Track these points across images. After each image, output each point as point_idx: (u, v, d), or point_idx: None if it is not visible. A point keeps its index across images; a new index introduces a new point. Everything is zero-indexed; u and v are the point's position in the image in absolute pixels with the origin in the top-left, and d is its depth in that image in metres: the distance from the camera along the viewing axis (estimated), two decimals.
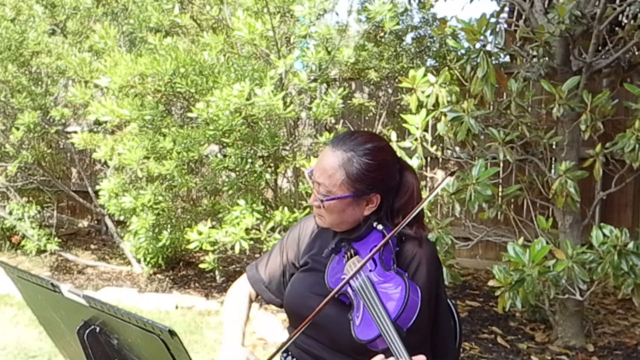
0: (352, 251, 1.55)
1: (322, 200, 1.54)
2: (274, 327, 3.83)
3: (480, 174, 3.29)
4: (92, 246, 6.31)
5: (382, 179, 1.54)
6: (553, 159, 3.89)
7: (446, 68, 3.66)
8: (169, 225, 4.42)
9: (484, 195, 3.27)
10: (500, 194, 3.99)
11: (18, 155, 5.22)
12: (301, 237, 1.73)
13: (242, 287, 1.78)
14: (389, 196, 1.57)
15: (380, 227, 1.53)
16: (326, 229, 1.65)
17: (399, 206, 1.58)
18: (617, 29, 4.26)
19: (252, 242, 3.87)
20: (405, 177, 1.59)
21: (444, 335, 1.62)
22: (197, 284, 5.05)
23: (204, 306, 4.41)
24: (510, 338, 3.89)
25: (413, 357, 1.33)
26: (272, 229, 3.93)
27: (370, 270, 1.48)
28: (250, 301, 1.77)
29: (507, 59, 4.67)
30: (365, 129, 5.72)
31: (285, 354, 1.68)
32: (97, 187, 4.53)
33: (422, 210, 1.57)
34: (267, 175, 4.26)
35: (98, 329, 1.20)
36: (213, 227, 3.97)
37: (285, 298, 1.68)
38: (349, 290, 1.48)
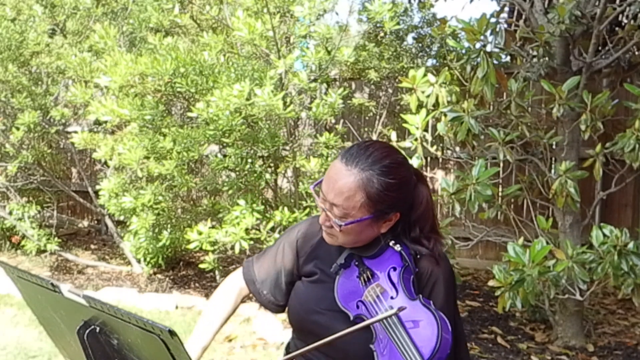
0: (368, 273, 1.44)
1: (339, 225, 1.40)
2: (274, 327, 3.84)
3: (480, 174, 3.28)
4: (92, 246, 6.31)
5: (403, 198, 1.44)
6: (553, 159, 3.89)
7: (446, 68, 3.66)
8: (169, 225, 4.42)
9: (484, 195, 3.27)
10: (500, 194, 3.99)
11: (18, 155, 5.22)
12: (301, 243, 1.62)
13: (234, 282, 1.71)
14: (407, 212, 1.47)
15: (398, 247, 1.44)
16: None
17: (415, 219, 1.48)
18: (617, 29, 4.26)
19: (252, 242, 3.87)
20: (418, 189, 1.49)
21: (463, 357, 1.53)
22: (197, 284, 5.06)
23: (204, 306, 4.41)
24: (510, 338, 3.89)
25: None
26: (272, 229, 3.92)
27: (392, 298, 1.38)
28: (239, 297, 1.69)
29: (507, 59, 4.67)
30: (365, 129, 5.73)
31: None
32: (97, 187, 4.53)
33: (436, 220, 1.51)
34: (267, 175, 4.26)
35: (98, 329, 1.20)
36: (213, 227, 3.97)
37: (290, 309, 1.61)
38: (367, 312, 1.40)
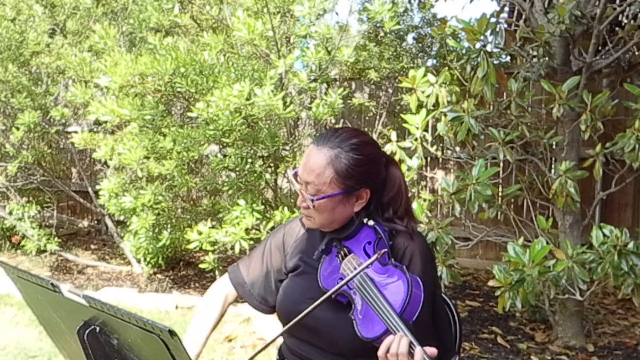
0: (345, 250, 1.52)
1: (312, 200, 1.50)
2: (274, 327, 3.84)
3: (480, 174, 3.28)
4: (92, 246, 6.31)
5: (371, 173, 1.52)
6: (553, 159, 3.89)
7: (446, 68, 3.66)
8: (169, 225, 4.42)
9: (484, 195, 3.27)
10: (500, 194, 3.99)
11: (18, 155, 5.22)
12: (286, 241, 1.68)
13: (219, 290, 1.73)
14: (378, 190, 1.55)
15: (371, 222, 1.50)
16: (314, 230, 1.61)
17: (387, 200, 1.56)
18: (617, 29, 4.26)
19: (252, 242, 3.87)
20: (390, 171, 1.58)
21: (442, 327, 1.59)
22: (197, 284, 5.06)
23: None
24: (510, 338, 3.89)
25: (425, 349, 1.29)
26: (272, 229, 3.92)
27: (369, 268, 1.45)
28: (225, 304, 1.72)
29: (507, 59, 4.68)
30: (366, 129, 5.73)
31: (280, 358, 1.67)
32: (97, 187, 4.53)
33: (410, 203, 1.59)
34: (267, 175, 4.26)
35: (98, 329, 1.20)
36: (213, 227, 3.97)
37: (278, 305, 1.64)
38: (347, 289, 1.45)
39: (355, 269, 1.44)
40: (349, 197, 1.51)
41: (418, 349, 1.27)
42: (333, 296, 1.42)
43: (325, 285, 1.49)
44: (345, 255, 1.50)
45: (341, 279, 1.45)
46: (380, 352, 1.32)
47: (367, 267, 1.40)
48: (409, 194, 1.64)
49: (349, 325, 1.42)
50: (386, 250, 1.43)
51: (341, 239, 1.54)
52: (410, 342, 1.29)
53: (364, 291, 1.40)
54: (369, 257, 1.46)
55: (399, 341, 1.30)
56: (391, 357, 1.30)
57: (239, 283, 1.70)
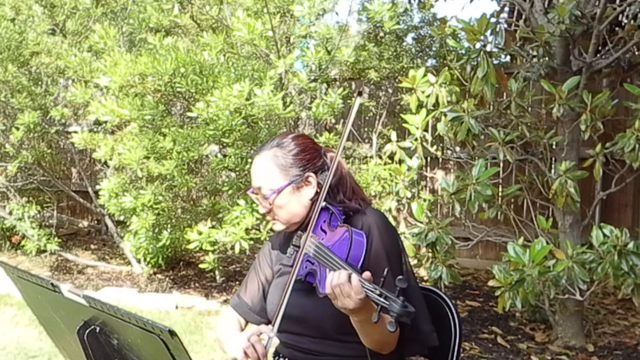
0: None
1: (266, 199, 1.64)
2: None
3: (480, 174, 3.28)
4: (92, 246, 6.31)
5: (310, 159, 1.66)
6: (553, 159, 3.89)
7: (446, 68, 3.66)
8: (169, 225, 4.42)
9: (484, 195, 3.27)
10: (500, 194, 3.99)
11: (18, 155, 5.22)
12: (272, 252, 1.80)
13: (229, 317, 1.81)
14: (323, 175, 1.66)
15: (323, 204, 1.60)
16: (290, 236, 1.70)
17: (335, 182, 1.66)
18: (617, 29, 4.26)
19: (252, 242, 3.87)
20: (329, 157, 1.70)
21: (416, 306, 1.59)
22: (197, 284, 5.06)
23: (204, 306, 4.41)
24: (510, 338, 3.89)
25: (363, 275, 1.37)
26: (272, 229, 3.92)
27: (322, 239, 1.56)
28: (240, 326, 1.79)
29: (507, 59, 4.67)
30: (366, 129, 5.73)
31: (276, 357, 1.70)
32: (97, 187, 4.53)
33: (356, 184, 1.71)
34: None
35: (98, 329, 1.20)
36: (213, 227, 3.97)
37: (267, 308, 1.72)
38: (310, 264, 1.52)
39: (313, 243, 1.53)
40: (298, 186, 1.65)
41: (354, 275, 1.36)
42: (303, 279, 1.52)
43: (300, 272, 1.55)
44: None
45: (308, 260, 1.53)
46: (328, 290, 1.40)
47: (308, 233, 1.53)
48: (356, 179, 1.76)
49: (328, 305, 1.45)
50: (320, 216, 1.57)
51: (304, 230, 1.64)
52: (350, 274, 1.37)
53: (319, 256, 1.50)
54: (323, 230, 1.57)
55: (338, 273, 1.39)
56: (335, 288, 1.38)
57: (240, 306, 1.79)
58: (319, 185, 1.64)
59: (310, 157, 1.67)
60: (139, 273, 5.24)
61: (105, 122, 4.28)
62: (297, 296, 1.54)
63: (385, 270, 1.34)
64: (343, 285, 1.36)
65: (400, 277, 1.30)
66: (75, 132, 4.71)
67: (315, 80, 4.25)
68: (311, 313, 1.58)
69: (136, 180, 4.49)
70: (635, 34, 3.59)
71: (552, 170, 3.61)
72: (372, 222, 1.59)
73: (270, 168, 1.64)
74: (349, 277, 1.37)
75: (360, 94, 1.59)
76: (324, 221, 1.59)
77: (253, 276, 1.80)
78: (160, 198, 4.20)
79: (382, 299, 1.29)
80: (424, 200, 4.15)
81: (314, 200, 1.64)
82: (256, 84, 3.83)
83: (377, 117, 5.48)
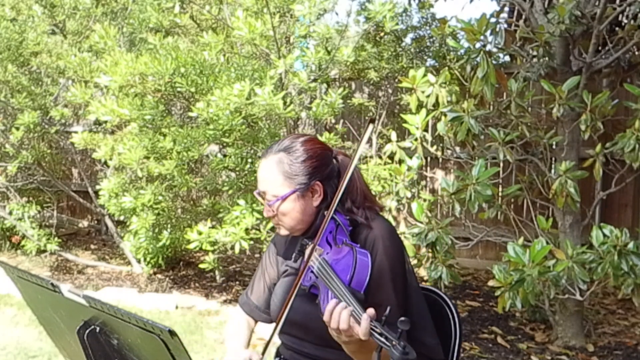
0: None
1: (271, 206, 1.59)
2: (273, 327, 3.83)
3: (480, 174, 3.29)
4: (92, 246, 6.31)
5: (317, 166, 1.60)
6: (553, 159, 3.89)
7: (446, 68, 3.66)
8: (169, 225, 4.42)
9: (484, 195, 3.27)
10: (500, 194, 3.99)
11: (18, 155, 5.22)
12: (277, 250, 1.78)
13: (238, 316, 1.82)
14: (332, 182, 1.61)
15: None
16: (294, 238, 1.69)
17: (344, 190, 1.59)
18: (617, 29, 4.26)
19: (252, 242, 3.87)
20: (342, 162, 1.65)
21: (416, 319, 1.55)
22: (197, 284, 5.05)
23: (204, 306, 4.41)
24: (510, 338, 3.89)
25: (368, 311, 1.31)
26: (272, 229, 3.92)
27: (327, 253, 1.52)
28: (249, 326, 1.80)
29: (507, 59, 4.68)
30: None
31: (277, 358, 1.71)
32: (97, 187, 4.53)
33: (369, 191, 1.65)
34: None
35: (98, 329, 1.20)
36: (213, 227, 3.97)
37: (271, 308, 1.72)
38: (313, 277, 1.50)
39: (317, 258, 1.50)
40: (304, 194, 1.59)
41: (364, 319, 1.27)
42: (307, 289, 1.49)
43: (303, 282, 1.54)
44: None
45: (312, 272, 1.50)
46: (326, 318, 1.37)
47: (314, 247, 1.48)
48: (367, 184, 1.69)
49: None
50: (330, 231, 1.52)
51: (310, 237, 1.62)
52: (352, 311, 1.32)
53: (322, 275, 1.46)
54: (330, 245, 1.53)
55: (339, 312, 1.34)
56: (333, 324, 1.35)
57: (252, 310, 1.78)
58: (325, 193, 1.60)
59: (319, 164, 1.61)
60: (139, 273, 5.24)
61: (105, 122, 4.28)
62: (301, 302, 1.52)
63: (388, 308, 1.27)
64: (346, 331, 1.33)
65: (403, 318, 1.22)
66: (75, 132, 4.70)
67: (315, 80, 4.25)
68: (313, 320, 1.53)
69: (136, 180, 4.49)
70: (635, 34, 3.59)
71: (552, 170, 3.61)
72: (377, 234, 1.55)
73: (274, 174, 1.59)
74: (352, 313, 1.31)
75: (372, 121, 1.54)
76: (330, 232, 1.55)
77: (259, 276, 1.79)
78: (160, 198, 4.20)
79: (382, 340, 1.23)
80: (424, 200, 4.15)
81: (319, 208, 1.61)
82: (256, 83, 3.83)
83: (377, 117, 5.48)
